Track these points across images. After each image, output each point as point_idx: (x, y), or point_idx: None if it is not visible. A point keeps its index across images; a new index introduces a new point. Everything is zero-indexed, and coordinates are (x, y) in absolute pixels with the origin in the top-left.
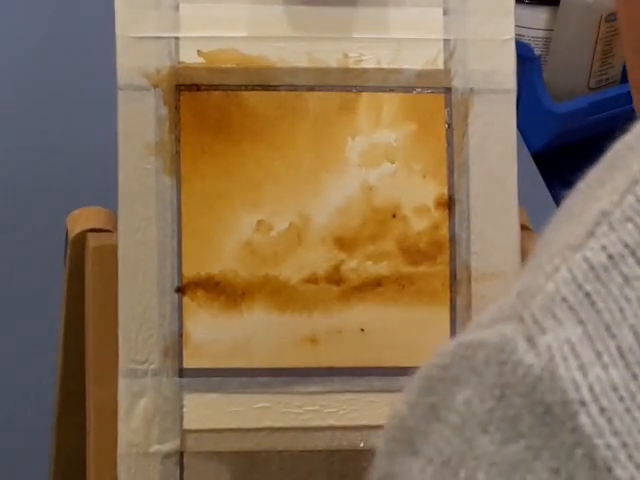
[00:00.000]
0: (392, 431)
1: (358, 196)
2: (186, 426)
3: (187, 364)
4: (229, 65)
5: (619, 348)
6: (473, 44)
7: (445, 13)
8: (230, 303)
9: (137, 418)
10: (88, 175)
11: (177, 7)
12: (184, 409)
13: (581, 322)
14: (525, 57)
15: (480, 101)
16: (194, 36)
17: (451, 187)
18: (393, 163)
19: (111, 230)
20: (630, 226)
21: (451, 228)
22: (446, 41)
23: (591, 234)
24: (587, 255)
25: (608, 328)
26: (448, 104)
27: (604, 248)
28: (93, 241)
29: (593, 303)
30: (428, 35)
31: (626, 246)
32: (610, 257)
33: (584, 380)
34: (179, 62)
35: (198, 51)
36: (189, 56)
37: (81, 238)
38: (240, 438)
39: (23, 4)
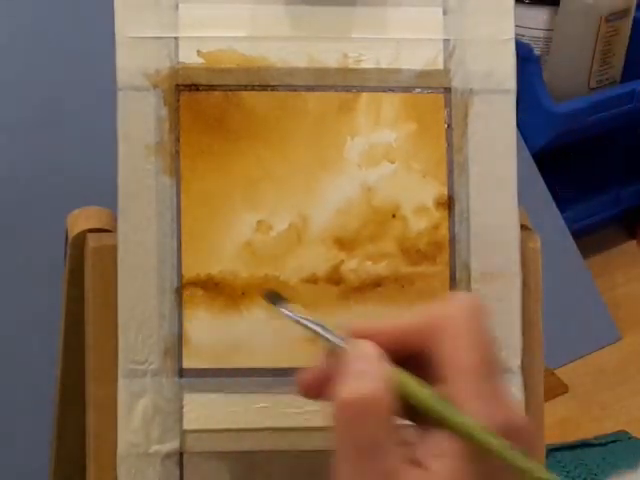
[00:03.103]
0: None
1: (358, 196)
2: (186, 426)
3: (187, 364)
4: (229, 65)
5: None
6: (473, 44)
7: (445, 13)
8: (230, 303)
9: (137, 418)
10: (88, 175)
11: (177, 7)
12: (184, 409)
13: None
14: (525, 57)
15: (480, 101)
16: (194, 36)
17: (451, 187)
18: (393, 163)
19: (111, 230)
20: None
21: (451, 228)
22: (446, 41)
23: None
24: None
25: None
26: (448, 104)
27: None
28: (93, 241)
29: None
30: (427, 35)
31: None
32: None
33: None
34: (179, 62)
35: (198, 51)
36: (189, 56)
37: (81, 238)
38: (240, 438)
39: (23, 4)
